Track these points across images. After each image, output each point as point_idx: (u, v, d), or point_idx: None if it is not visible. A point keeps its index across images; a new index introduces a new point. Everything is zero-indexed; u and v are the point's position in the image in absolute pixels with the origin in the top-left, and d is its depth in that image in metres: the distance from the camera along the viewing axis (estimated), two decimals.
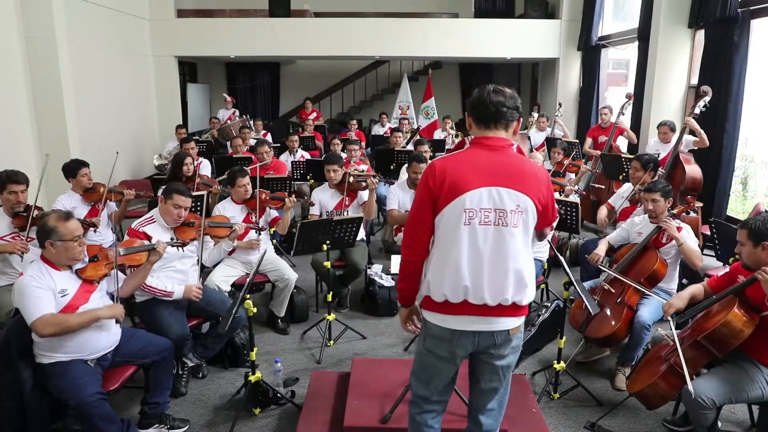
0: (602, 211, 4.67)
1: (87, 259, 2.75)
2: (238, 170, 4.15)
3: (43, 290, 2.52)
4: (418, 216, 2.02)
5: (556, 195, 4.74)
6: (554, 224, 2.25)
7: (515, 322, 2.05)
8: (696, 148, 5.26)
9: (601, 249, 3.69)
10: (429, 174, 1.98)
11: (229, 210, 4.08)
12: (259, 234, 3.95)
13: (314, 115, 10.15)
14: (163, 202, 3.33)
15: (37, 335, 2.52)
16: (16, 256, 3.49)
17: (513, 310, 2.02)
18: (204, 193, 4.35)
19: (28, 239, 3.49)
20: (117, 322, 2.78)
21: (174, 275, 3.29)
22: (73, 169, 4.27)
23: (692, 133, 5.18)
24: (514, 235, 1.94)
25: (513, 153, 1.99)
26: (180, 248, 3.20)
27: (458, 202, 1.92)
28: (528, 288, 2.01)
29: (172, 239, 3.16)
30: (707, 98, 4.94)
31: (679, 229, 3.43)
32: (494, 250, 1.94)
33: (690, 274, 4.22)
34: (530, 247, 2.03)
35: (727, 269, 2.94)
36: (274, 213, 4.34)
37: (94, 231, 4.13)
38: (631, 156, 5.62)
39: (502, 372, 2.12)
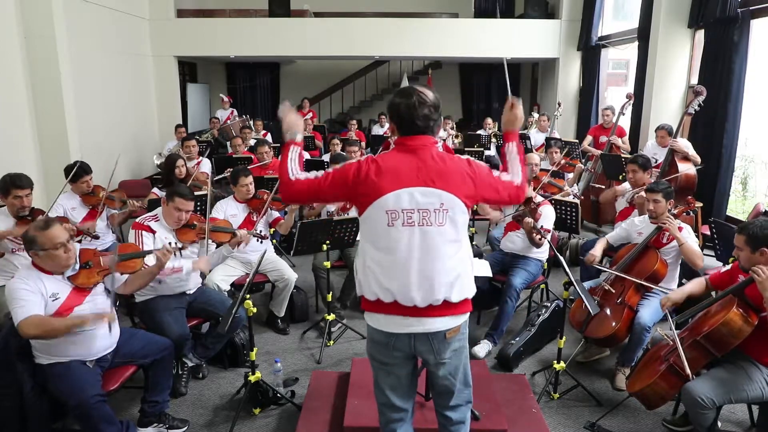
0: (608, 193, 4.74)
1: (78, 266, 2.70)
2: (242, 170, 4.17)
3: (31, 292, 2.49)
4: (323, 191, 1.99)
5: (560, 196, 4.75)
6: (522, 194, 2.10)
7: (451, 323, 2.00)
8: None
9: (598, 249, 3.67)
10: (350, 174, 1.95)
11: (231, 209, 4.08)
12: (261, 242, 3.93)
13: (309, 115, 10.13)
14: (166, 204, 3.33)
15: (22, 336, 2.48)
16: (18, 255, 3.49)
17: (446, 308, 1.97)
18: (204, 193, 4.35)
19: None
20: (109, 327, 2.71)
21: (174, 275, 3.29)
22: (75, 175, 4.22)
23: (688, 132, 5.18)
24: (441, 234, 1.93)
25: (436, 152, 1.97)
26: (178, 252, 3.17)
27: (380, 203, 1.91)
28: (457, 285, 1.96)
29: (170, 243, 3.13)
30: (701, 97, 4.94)
31: (680, 229, 3.43)
32: (421, 251, 1.93)
33: (690, 274, 4.20)
34: (462, 243, 2.00)
35: (728, 268, 2.94)
36: (276, 213, 4.34)
37: (90, 240, 4.08)
38: (631, 156, 5.63)
39: (451, 376, 2.10)
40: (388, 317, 2.00)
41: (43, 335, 2.48)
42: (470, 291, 2.03)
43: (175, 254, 3.05)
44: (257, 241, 3.90)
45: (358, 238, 4.29)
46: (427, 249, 1.93)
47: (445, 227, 1.94)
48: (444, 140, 8.18)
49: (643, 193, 4.07)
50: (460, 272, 1.98)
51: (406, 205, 1.91)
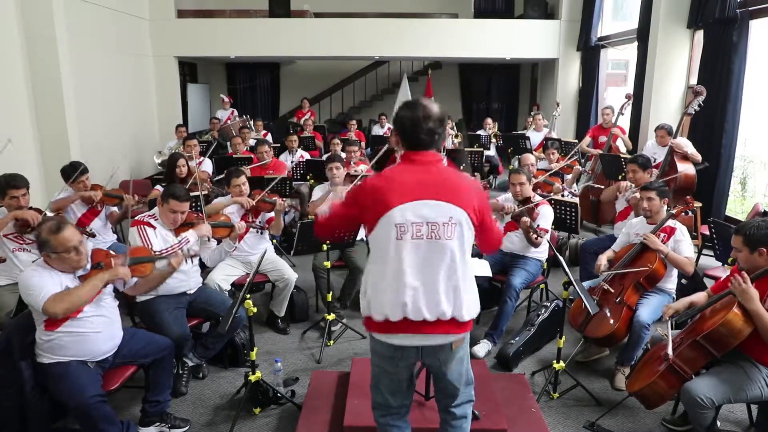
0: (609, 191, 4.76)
1: (89, 267, 2.70)
2: (234, 171, 4.21)
3: (45, 278, 2.50)
4: (339, 214, 2.11)
5: (554, 196, 4.75)
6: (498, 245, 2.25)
7: (457, 337, 2.06)
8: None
9: (604, 259, 3.64)
10: (360, 192, 2.02)
11: (228, 208, 4.09)
12: (261, 233, 3.96)
13: (308, 115, 10.15)
14: (161, 205, 3.34)
15: (53, 316, 2.45)
16: (17, 255, 3.49)
17: (453, 326, 2.02)
18: (202, 192, 4.34)
19: (29, 242, 3.49)
20: (124, 284, 2.85)
21: (175, 275, 3.28)
22: (71, 175, 4.22)
23: (688, 132, 5.20)
24: (448, 247, 1.95)
25: (443, 166, 2.01)
26: (189, 259, 3.17)
27: (389, 217, 1.93)
28: (465, 303, 2.00)
29: (182, 250, 3.14)
30: (701, 97, 4.96)
31: (673, 231, 3.42)
32: (429, 263, 1.95)
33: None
34: (467, 260, 2.03)
35: (726, 269, 2.95)
36: (270, 214, 4.34)
37: (89, 238, 4.06)
38: (630, 156, 5.64)
39: (456, 381, 2.15)
40: (396, 335, 2.03)
41: (70, 307, 2.47)
42: (476, 310, 2.09)
43: (186, 261, 3.09)
44: (257, 231, 3.92)
45: (359, 238, 4.32)
46: (435, 262, 1.96)
47: (453, 241, 1.96)
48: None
49: (637, 194, 4.07)
50: (466, 290, 2.02)
51: (415, 218, 1.92)
